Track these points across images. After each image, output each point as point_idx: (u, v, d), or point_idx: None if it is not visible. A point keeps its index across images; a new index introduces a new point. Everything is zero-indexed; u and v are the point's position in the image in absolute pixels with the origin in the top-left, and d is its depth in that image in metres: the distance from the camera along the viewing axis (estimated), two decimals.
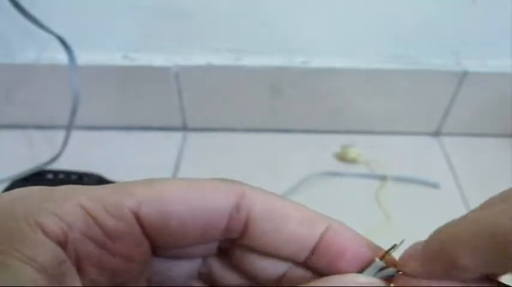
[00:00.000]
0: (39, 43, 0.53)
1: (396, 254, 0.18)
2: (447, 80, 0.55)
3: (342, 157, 0.57)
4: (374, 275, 0.18)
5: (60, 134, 0.55)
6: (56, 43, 0.50)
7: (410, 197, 0.53)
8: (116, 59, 0.54)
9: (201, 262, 0.21)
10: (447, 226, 0.16)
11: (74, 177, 0.51)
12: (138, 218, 0.17)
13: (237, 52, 0.55)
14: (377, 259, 0.18)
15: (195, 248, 0.20)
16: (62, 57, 0.51)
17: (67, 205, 0.16)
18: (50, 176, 0.52)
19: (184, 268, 0.20)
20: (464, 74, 0.55)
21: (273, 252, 0.19)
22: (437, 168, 0.57)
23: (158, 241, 0.18)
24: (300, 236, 0.18)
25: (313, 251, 0.18)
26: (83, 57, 0.53)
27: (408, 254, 0.17)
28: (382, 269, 0.18)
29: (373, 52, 0.54)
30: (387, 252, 0.18)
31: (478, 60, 0.55)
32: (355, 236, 0.19)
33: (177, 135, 0.60)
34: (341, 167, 0.56)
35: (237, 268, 0.20)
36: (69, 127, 0.54)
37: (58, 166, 0.54)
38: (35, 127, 0.60)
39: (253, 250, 0.19)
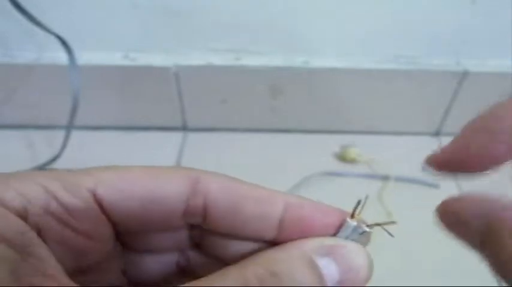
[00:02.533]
0: (39, 43, 0.53)
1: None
2: (447, 80, 0.55)
3: (341, 157, 0.57)
4: (348, 236, 0.18)
5: (60, 134, 0.55)
6: (56, 43, 0.50)
7: (410, 197, 0.53)
8: (116, 59, 0.54)
9: (177, 255, 0.21)
10: (490, 107, 0.17)
11: None
12: (95, 196, 0.17)
13: (237, 52, 0.55)
14: (348, 219, 0.18)
15: (165, 239, 0.20)
16: (62, 57, 0.51)
17: (27, 182, 0.16)
18: None
19: (159, 261, 0.21)
20: (464, 74, 0.55)
21: (240, 233, 0.19)
22: None
23: (118, 221, 0.18)
24: (259, 214, 0.18)
25: (280, 228, 0.18)
26: (83, 57, 0.53)
27: (441, 149, 0.19)
28: (355, 229, 0.18)
29: (373, 52, 0.54)
30: (354, 210, 0.19)
31: (478, 60, 0.55)
32: (317, 205, 0.19)
33: (177, 135, 0.60)
34: (341, 167, 0.56)
35: (213, 256, 0.20)
36: (69, 127, 0.54)
37: (58, 166, 0.54)
38: (35, 127, 0.60)
39: (223, 235, 0.19)
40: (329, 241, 0.18)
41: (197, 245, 0.21)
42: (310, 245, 0.18)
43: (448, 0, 0.50)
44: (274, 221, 0.18)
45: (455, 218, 0.18)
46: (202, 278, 0.16)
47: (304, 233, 0.18)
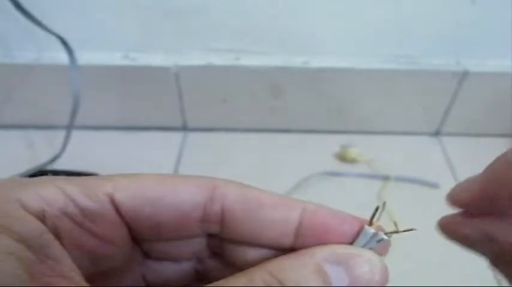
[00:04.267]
0: (39, 43, 0.53)
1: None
2: (447, 80, 0.55)
3: (341, 157, 0.57)
4: (366, 245, 0.18)
5: (60, 134, 0.55)
6: (56, 43, 0.50)
7: (410, 197, 0.53)
8: (116, 59, 0.54)
9: (195, 262, 0.21)
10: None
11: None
12: (113, 201, 0.17)
13: (237, 52, 0.55)
14: (366, 227, 0.18)
15: (183, 248, 0.20)
16: (62, 57, 0.51)
17: (46, 185, 0.17)
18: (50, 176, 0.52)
19: (178, 268, 0.21)
20: (464, 74, 0.55)
21: (257, 240, 0.19)
22: (437, 168, 0.57)
23: (135, 226, 0.18)
24: (277, 221, 0.18)
25: (297, 234, 0.18)
26: (83, 57, 0.53)
27: (463, 187, 0.19)
28: (372, 237, 0.18)
29: (373, 52, 0.54)
30: (372, 217, 0.18)
31: (478, 60, 0.55)
32: (334, 213, 0.19)
33: (177, 135, 0.60)
34: (341, 167, 0.56)
35: (231, 263, 0.20)
36: (69, 127, 0.54)
37: (58, 166, 0.54)
38: (35, 127, 0.60)
39: (240, 243, 0.19)
40: (341, 249, 0.18)
41: (215, 253, 0.21)
42: (321, 252, 0.17)
43: (448, 0, 0.50)
44: (291, 228, 0.18)
45: (457, 235, 0.19)
46: (211, 284, 0.16)
47: (321, 240, 0.18)
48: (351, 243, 0.18)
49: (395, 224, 0.19)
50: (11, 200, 0.16)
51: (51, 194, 0.17)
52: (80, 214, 0.17)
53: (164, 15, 0.51)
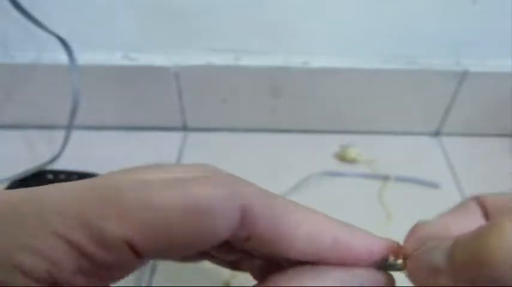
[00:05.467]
0: (39, 43, 0.53)
1: None
2: (447, 80, 0.55)
3: (341, 157, 0.57)
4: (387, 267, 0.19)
5: (60, 134, 0.55)
6: (56, 43, 0.50)
7: (410, 197, 0.53)
8: (116, 59, 0.54)
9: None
10: (477, 238, 0.14)
11: (74, 177, 0.51)
12: (131, 246, 0.15)
13: (237, 52, 0.55)
14: (391, 257, 0.19)
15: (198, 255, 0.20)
16: (62, 57, 0.51)
17: (47, 237, 0.13)
18: (50, 176, 0.52)
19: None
20: (464, 74, 0.55)
21: (273, 255, 0.19)
22: (437, 168, 0.57)
23: (151, 257, 0.17)
24: (308, 252, 0.18)
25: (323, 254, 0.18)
26: (83, 57, 0.53)
27: (425, 263, 0.17)
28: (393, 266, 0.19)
29: (373, 52, 0.54)
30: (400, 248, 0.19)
31: (478, 60, 0.55)
32: (363, 238, 0.19)
33: (177, 135, 0.60)
34: (341, 167, 0.56)
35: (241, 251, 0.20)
36: (69, 127, 0.54)
37: (58, 166, 0.54)
38: (35, 127, 0.60)
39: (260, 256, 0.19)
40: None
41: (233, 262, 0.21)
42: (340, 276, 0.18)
43: (448, 0, 0.50)
44: (319, 256, 0.18)
45: None
46: None
47: (343, 259, 0.18)
48: (375, 262, 0.19)
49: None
50: (8, 265, 0.13)
51: (57, 252, 0.13)
52: (91, 265, 0.15)
53: (164, 15, 0.51)
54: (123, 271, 0.16)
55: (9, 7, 0.47)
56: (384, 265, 0.19)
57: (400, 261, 0.19)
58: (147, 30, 0.53)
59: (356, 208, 0.50)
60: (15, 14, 0.47)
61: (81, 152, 0.56)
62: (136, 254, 0.15)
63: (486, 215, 0.19)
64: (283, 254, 0.18)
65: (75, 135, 0.55)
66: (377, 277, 0.19)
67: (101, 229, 0.14)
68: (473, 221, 0.18)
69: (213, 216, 0.16)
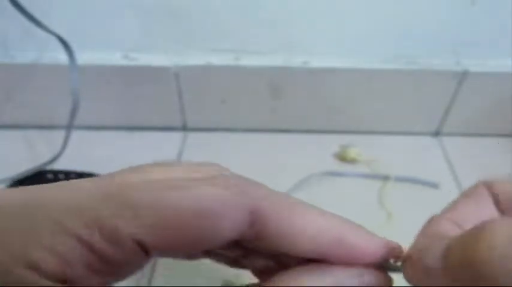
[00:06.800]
0: (39, 43, 0.53)
1: None
2: (447, 80, 0.55)
3: (341, 157, 0.57)
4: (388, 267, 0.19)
5: (60, 134, 0.55)
6: (56, 43, 0.50)
7: (410, 197, 0.53)
8: (116, 59, 0.54)
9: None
10: (471, 239, 0.14)
11: (73, 177, 0.51)
12: (141, 244, 0.15)
13: (237, 52, 0.55)
14: (391, 261, 0.19)
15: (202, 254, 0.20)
16: (62, 57, 0.51)
17: (61, 237, 0.14)
18: (50, 176, 0.52)
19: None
20: (464, 74, 0.55)
21: (280, 251, 0.19)
22: (437, 168, 0.57)
23: (160, 255, 0.17)
24: (313, 251, 0.18)
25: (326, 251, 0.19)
26: (83, 57, 0.53)
27: (421, 266, 0.17)
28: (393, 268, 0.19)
29: (373, 52, 0.54)
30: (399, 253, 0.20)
31: (478, 60, 0.55)
32: (367, 239, 0.19)
33: (177, 135, 0.60)
34: (341, 167, 0.56)
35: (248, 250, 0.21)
36: (69, 127, 0.54)
37: (58, 166, 0.54)
38: (35, 127, 0.60)
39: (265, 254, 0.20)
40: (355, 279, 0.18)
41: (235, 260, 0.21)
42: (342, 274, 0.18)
43: (448, 0, 0.50)
44: (322, 253, 0.18)
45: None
46: None
47: (346, 258, 0.19)
48: (376, 260, 0.19)
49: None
50: (20, 262, 0.13)
51: (70, 250, 0.14)
52: (100, 261, 0.15)
53: (164, 15, 0.51)
54: (131, 267, 0.17)
55: (9, 7, 0.47)
56: (384, 266, 0.19)
57: (399, 263, 0.19)
58: (147, 30, 0.53)
59: (356, 208, 0.50)
60: (15, 14, 0.47)
61: (81, 152, 0.56)
62: (146, 252, 0.16)
63: (497, 202, 0.19)
64: (289, 253, 0.19)
65: (75, 135, 0.55)
66: (376, 277, 0.19)
67: (112, 227, 0.14)
68: (486, 210, 0.19)
69: (222, 217, 0.16)
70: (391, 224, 0.48)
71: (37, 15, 0.48)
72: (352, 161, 0.56)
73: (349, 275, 0.18)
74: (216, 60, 0.54)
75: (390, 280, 0.20)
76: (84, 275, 0.14)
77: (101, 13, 0.51)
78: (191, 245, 0.16)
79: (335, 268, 0.18)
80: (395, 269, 0.19)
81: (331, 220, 0.19)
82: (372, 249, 0.19)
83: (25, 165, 0.53)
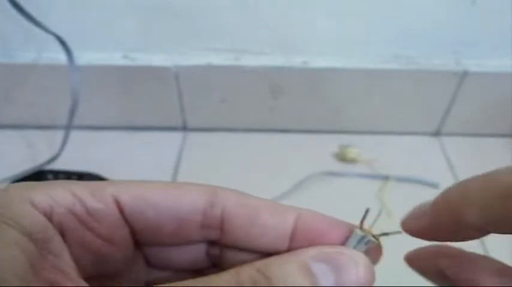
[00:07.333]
0: (39, 43, 0.53)
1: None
2: (447, 80, 0.55)
3: (341, 157, 0.57)
4: (356, 247, 0.19)
5: (60, 134, 0.55)
6: (56, 43, 0.50)
7: (410, 197, 0.52)
8: (116, 59, 0.54)
9: (195, 274, 0.21)
10: (457, 184, 0.18)
11: (73, 177, 0.51)
12: (117, 202, 0.18)
13: (237, 52, 0.54)
14: (356, 230, 0.19)
15: (183, 256, 0.20)
16: (61, 57, 0.51)
17: (56, 187, 0.18)
18: (50, 176, 0.52)
19: (179, 278, 0.21)
20: (464, 74, 0.55)
21: (254, 246, 0.19)
22: (437, 168, 0.57)
23: (137, 229, 0.19)
24: (273, 226, 0.19)
25: (292, 239, 0.19)
26: (83, 57, 0.53)
27: (415, 214, 0.19)
28: (361, 239, 0.19)
29: (373, 52, 0.54)
30: (363, 220, 0.19)
31: (478, 60, 0.55)
32: (327, 218, 0.20)
33: (177, 135, 0.60)
34: (341, 167, 0.56)
35: None
36: (68, 127, 0.54)
37: (58, 166, 0.54)
38: (34, 127, 0.60)
39: (239, 249, 0.20)
40: (328, 249, 0.18)
41: (214, 265, 0.21)
42: (308, 252, 0.18)
43: (448, 0, 0.50)
44: (286, 233, 0.19)
45: (416, 269, 0.21)
46: (199, 278, 0.17)
47: (314, 244, 0.19)
48: (341, 245, 0.19)
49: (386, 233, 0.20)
50: (22, 198, 0.17)
51: (59, 194, 0.17)
52: (86, 213, 0.18)
53: (164, 15, 0.51)
54: (112, 234, 0.19)
55: (9, 7, 0.47)
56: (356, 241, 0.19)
57: (371, 237, 0.19)
58: (147, 30, 0.53)
59: (356, 208, 0.49)
60: (15, 14, 0.47)
61: (81, 152, 0.56)
62: (123, 217, 0.18)
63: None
64: (259, 249, 0.19)
65: (75, 135, 0.55)
66: (340, 251, 0.19)
67: (98, 188, 0.18)
68: None
69: (186, 190, 0.19)
70: (391, 224, 0.48)
71: (36, 15, 0.48)
72: (352, 161, 0.56)
73: (316, 252, 0.18)
74: (216, 60, 0.54)
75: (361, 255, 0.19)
76: (69, 219, 0.17)
77: (100, 13, 0.51)
78: (160, 212, 0.19)
79: (303, 248, 0.19)
80: (369, 241, 0.19)
81: (287, 206, 0.20)
82: (330, 229, 0.19)
83: (25, 165, 0.53)
